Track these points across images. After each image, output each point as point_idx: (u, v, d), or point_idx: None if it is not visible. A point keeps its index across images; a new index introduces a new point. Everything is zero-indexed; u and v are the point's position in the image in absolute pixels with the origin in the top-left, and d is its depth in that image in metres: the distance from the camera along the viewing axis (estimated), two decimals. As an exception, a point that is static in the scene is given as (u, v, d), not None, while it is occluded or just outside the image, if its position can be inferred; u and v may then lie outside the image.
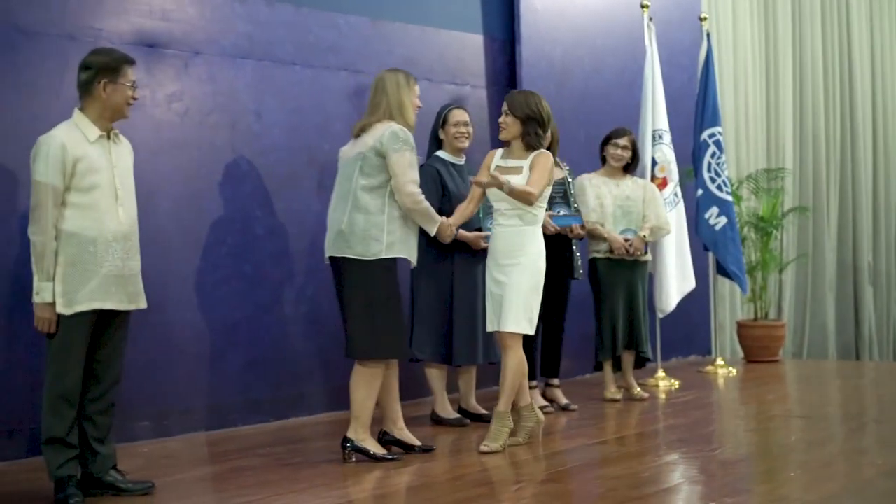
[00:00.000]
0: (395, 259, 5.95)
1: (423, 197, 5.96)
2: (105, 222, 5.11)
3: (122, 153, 5.32)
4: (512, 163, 6.26)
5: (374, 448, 5.99)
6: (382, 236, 5.89)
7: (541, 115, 6.22)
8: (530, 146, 6.25)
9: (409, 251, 6.02)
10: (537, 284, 6.21)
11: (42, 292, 5.01)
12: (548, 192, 6.29)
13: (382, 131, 5.93)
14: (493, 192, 6.13)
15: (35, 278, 5.04)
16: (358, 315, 5.91)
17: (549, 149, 7.56)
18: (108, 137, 5.23)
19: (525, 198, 6.03)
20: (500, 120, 6.33)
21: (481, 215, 6.98)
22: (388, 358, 6.00)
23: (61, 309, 5.01)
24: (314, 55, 7.73)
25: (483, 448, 6.09)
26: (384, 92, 6.10)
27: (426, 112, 7.74)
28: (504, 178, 5.97)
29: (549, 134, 6.50)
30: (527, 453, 6.16)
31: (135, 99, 5.30)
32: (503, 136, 6.33)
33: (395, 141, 5.89)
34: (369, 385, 5.96)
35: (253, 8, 7.43)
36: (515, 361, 6.19)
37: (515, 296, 6.11)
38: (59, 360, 5.06)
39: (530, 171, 6.16)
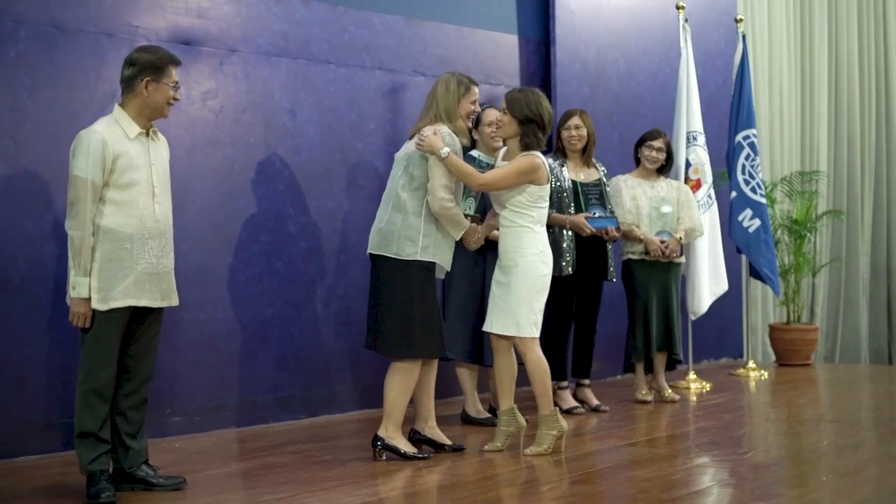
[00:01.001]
0: (432, 262, 5.98)
1: (452, 204, 5.96)
2: (142, 219, 5.14)
3: (160, 150, 5.35)
4: (503, 164, 6.22)
5: (405, 447, 5.99)
6: (418, 238, 5.92)
7: (541, 116, 6.08)
8: (527, 147, 6.11)
9: (442, 256, 6.04)
10: (537, 287, 6.09)
11: (78, 287, 5.04)
12: (546, 192, 6.13)
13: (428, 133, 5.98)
14: (493, 196, 6.16)
15: (71, 273, 5.06)
16: (391, 314, 5.94)
17: (584, 150, 7.60)
18: (147, 134, 5.26)
19: (463, 179, 5.95)
20: (497, 118, 6.32)
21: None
22: (420, 357, 6.00)
23: (96, 304, 5.03)
24: (349, 54, 7.75)
25: (527, 451, 6.08)
26: (434, 95, 6.15)
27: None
28: (434, 143, 5.89)
29: (545, 136, 6.21)
30: (557, 454, 6.14)
31: (176, 99, 5.31)
32: (499, 134, 6.29)
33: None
34: (403, 384, 5.98)
35: (288, 6, 7.45)
36: (534, 366, 6.12)
37: (515, 299, 6.04)
38: (92, 356, 5.09)
39: (508, 165, 6.08)
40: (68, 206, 5.07)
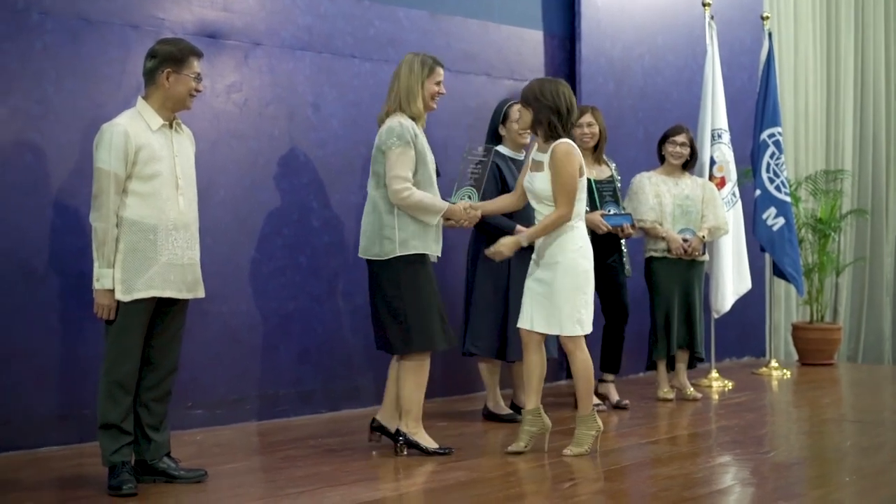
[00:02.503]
0: (417, 255, 5.92)
1: (410, 192, 5.83)
2: (165, 211, 5.15)
3: (184, 142, 5.35)
4: (539, 157, 6.00)
5: (426, 442, 5.99)
6: (394, 234, 5.90)
7: (555, 102, 5.90)
8: (548, 137, 5.95)
9: (426, 245, 5.95)
10: (580, 284, 5.94)
11: (102, 279, 5.05)
12: (583, 183, 5.99)
13: (383, 128, 5.96)
14: (529, 190, 6.05)
15: (95, 265, 5.08)
16: (387, 313, 5.96)
17: (596, 147, 7.58)
18: (171, 127, 5.26)
19: (554, 227, 5.91)
20: (517, 107, 6.31)
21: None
22: (422, 350, 5.97)
23: (120, 296, 5.05)
24: (373, 48, 7.74)
25: (566, 452, 5.97)
26: (397, 77, 6.07)
27: (484, 108, 7.76)
28: (519, 238, 6.02)
29: (569, 124, 6.01)
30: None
31: (198, 91, 5.31)
32: (519, 126, 6.33)
33: (389, 137, 5.89)
34: (415, 379, 5.99)
35: (314, 0, 7.44)
36: (581, 365, 6.01)
37: (558, 298, 5.91)
38: (116, 347, 5.10)
39: (550, 171, 5.90)
40: (92, 198, 5.08)
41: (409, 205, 5.84)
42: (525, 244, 5.97)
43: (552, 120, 5.90)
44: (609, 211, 7.47)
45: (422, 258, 5.94)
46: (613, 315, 7.72)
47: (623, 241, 7.67)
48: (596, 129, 7.53)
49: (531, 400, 6.09)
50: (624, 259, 7.67)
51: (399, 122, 5.90)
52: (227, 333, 6.97)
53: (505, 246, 6.00)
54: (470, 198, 6.13)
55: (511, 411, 7.20)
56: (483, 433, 6.66)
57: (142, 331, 5.16)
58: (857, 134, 12.85)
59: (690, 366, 8.19)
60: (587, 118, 7.53)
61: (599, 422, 6.07)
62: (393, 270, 5.91)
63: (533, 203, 6.05)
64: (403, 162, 5.84)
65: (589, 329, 6.01)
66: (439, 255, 6.09)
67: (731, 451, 6.24)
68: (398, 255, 5.88)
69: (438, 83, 6.08)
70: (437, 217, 5.93)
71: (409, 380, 5.98)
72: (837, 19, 12.68)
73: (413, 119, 5.98)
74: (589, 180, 7.47)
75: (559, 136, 5.92)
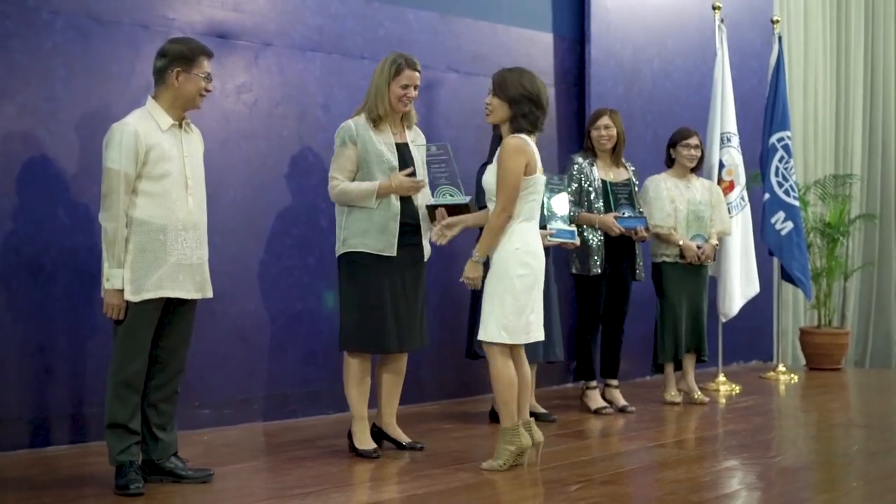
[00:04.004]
0: (360, 252, 5.91)
1: (337, 182, 5.94)
2: (175, 211, 5.15)
3: (194, 142, 5.36)
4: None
5: (357, 441, 6.05)
6: (341, 232, 5.99)
7: (532, 93, 5.54)
8: (518, 131, 5.56)
9: (366, 242, 5.91)
10: (512, 289, 5.49)
11: (112, 279, 5.05)
12: (539, 180, 5.61)
13: None
14: (485, 186, 5.68)
15: (105, 265, 5.08)
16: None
17: (614, 149, 7.57)
18: (180, 126, 5.27)
19: (501, 225, 5.53)
20: (486, 101, 5.79)
21: (546, 214, 6.96)
22: (347, 350, 6.03)
23: (129, 296, 5.05)
24: (383, 49, 7.70)
25: (483, 465, 5.62)
26: (373, 75, 6.11)
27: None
28: (450, 231, 5.76)
29: (542, 117, 5.62)
30: (585, 454, 6.13)
31: (208, 91, 5.31)
32: (489, 119, 5.83)
33: (336, 137, 6.05)
34: (346, 376, 6.07)
35: (324, 1, 7.45)
36: (496, 374, 5.57)
37: (487, 301, 5.55)
38: (124, 347, 5.10)
39: (497, 166, 5.54)
40: (102, 198, 5.09)
41: (335, 196, 5.96)
42: (478, 259, 5.57)
43: (533, 111, 5.56)
44: (624, 214, 7.46)
45: (365, 256, 5.92)
46: (612, 320, 7.70)
47: (637, 245, 7.64)
48: (613, 132, 7.53)
49: (508, 417, 5.62)
50: (638, 262, 7.64)
51: (348, 121, 6.02)
52: (235, 333, 6.98)
53: (469, 271, 5.62)
54: (452, 195, 5.94)
55: (518, 413, 7.20)
56: (489, 435, 6.65)
57: (150, 331, 5.16)
58: (866, 138, 12.84)
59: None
60: (605, 121, 7.53)
61: (526, 438, 5.58)
62: (339, 269, 6.05)
63: (488, 201, 5.69)
64: (337, 160, 5.99)
65: (520, 340, 5.58)
66: (393, 254, 5.94)
67: (738, 455, 6.22)
68: (342, 252, 5.98)
69: (405, 86, 5.98)
70: (372, 198, 5.82)
71: (344, 376, 6.08)
72: (847, 23, 12.67)
73: (379, 118, 5.99)
74: (604, 182, 7.48)
75: (523, 131, 5.58)
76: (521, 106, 5.54)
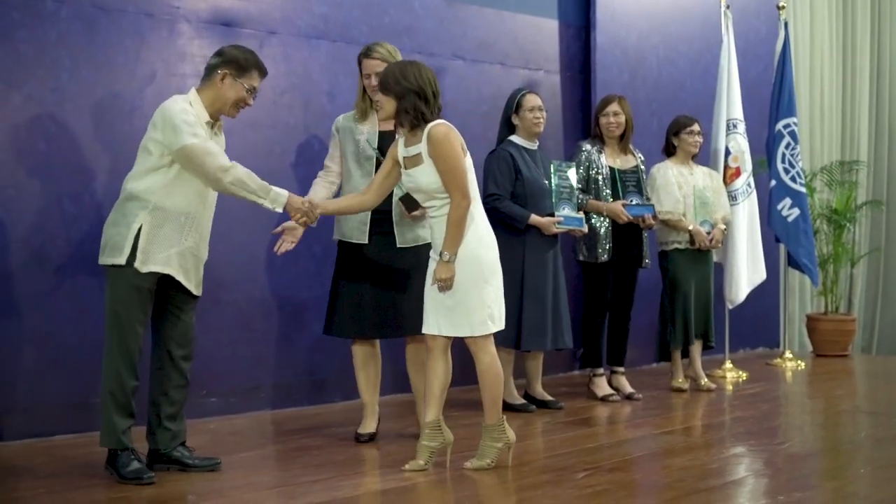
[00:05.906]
0: (338, 241, 6.16)
1: (322, 170, 6.24)
2: (195, 203, 5.17)
3: (220, 145, 5.34)
4: (412, 150, 5.30)
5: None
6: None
7: (420, 86, 5.21)
8: (415, 125, 5.25)
9: (341, 231, 6.13)
10: (486, 276, 5.29)
11: (277, 198, 5.26)
12: (470, 161, 5.33)
13: None
14: (415, 189, 5.38)
15: (260, 201, 5.21)
16: None
17: (622, 136, 7.57)
18: (213, 127, 5.26)
19: (464, 219, 5.23)
20: (376, 98, 5.52)
21: (554, 200, 6.96)
22: (327, 333, 6.21)
23: (137, 265, 5.02)
24: (389, 36, 7.69)
25: (467, 465, 5.43)
26: None
27: (499, 96, 7.73)
28: (443, 260, 5.25)
29: (433, 110, 5.27)
30: (593, 441, 6.13)
31: (247, 104, 5.32)
32: (379, 116, 5.68)
33: None
34: (353, 361, 6.30)
35: (329, -11, 7.45)
36: (485, 368, 5.39)
37: (462, 295, 5.26)
38: (120, 325, 5.05)
39: (433, 159, 5.22)
40: (203, 177, 5.10)
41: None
42: (450, 258, 5.21)
43: (418, 105, 5.21)
44: (631, 201, 7.45)
45: (342, 244, 6.13)
46: (619, 307, 7.69)
47: (644, 233, 7.63)
48: (622, 119, 7.52)
49: (432, 411, 5.43)
50: (644, 250, 7.64)
51: (339, 115, 6.25)
52: (242, 322, 6.98)
53: (442, 272, 5.23)
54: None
55: (524, 401, 7.21)
56: (497, 423, 6.64)
57: (145, 309, 5.12)
58: (872, 124, 12.82)
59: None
60: (613, 107, 7.53)
61: (511, 434, 5.48)
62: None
63: (425, 202, 5.38)
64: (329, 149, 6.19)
65: (501, 325, 5.41)
66: (364, 241, 5.99)
67: (745, 441, 6.21)
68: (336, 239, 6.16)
69: (367, 76, 5.96)
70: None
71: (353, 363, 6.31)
72: (853, 9, 12.64)
73: (364, 110, 6.09)
74: (612, 169, 7.47)
75: (427, 121, 5.26)
76: (406, 101, 5.22)
